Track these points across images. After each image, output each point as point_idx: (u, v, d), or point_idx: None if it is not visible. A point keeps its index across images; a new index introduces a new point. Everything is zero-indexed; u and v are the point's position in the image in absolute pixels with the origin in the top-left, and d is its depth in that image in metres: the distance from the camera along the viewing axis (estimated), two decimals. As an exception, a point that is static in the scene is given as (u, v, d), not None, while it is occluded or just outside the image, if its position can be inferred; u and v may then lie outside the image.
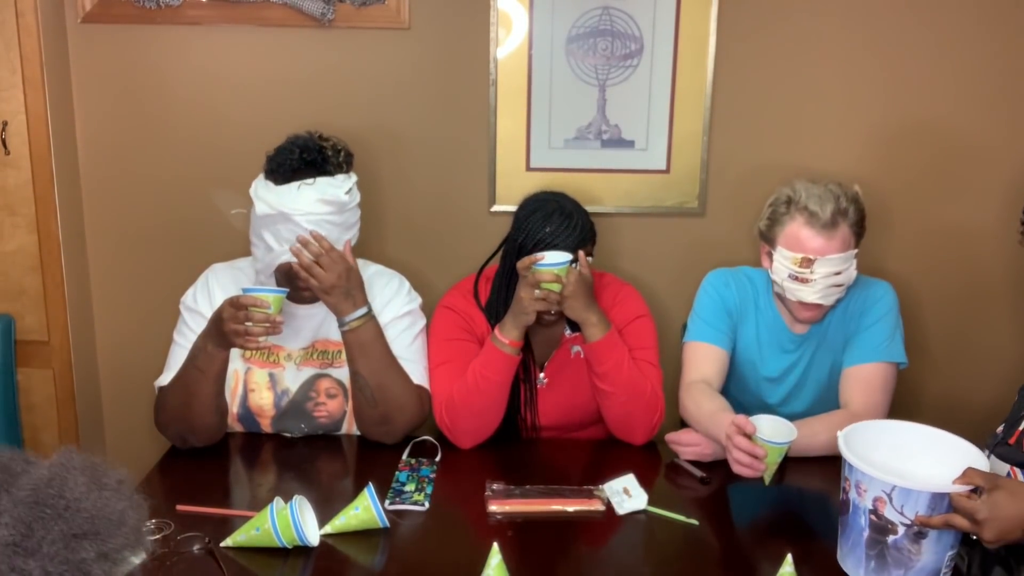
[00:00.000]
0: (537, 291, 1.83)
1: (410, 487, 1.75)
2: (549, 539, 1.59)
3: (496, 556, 1.38)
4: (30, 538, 0.85)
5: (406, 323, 1.99)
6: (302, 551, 1.52)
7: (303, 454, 1.93)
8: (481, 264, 2.10)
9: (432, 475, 1.81)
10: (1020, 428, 1.61)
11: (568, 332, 2.03)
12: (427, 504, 1.69)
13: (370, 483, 1.59)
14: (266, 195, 1.82)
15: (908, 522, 1.34)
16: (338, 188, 1.84)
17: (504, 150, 2.36)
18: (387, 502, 1.69)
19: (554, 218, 1.89)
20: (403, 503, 1.69)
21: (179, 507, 1.64)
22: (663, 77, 2.31)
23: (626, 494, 1.72)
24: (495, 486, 1.74)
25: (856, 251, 1.88)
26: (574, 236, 1.89)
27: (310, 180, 1.82)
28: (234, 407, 1.96)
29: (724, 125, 2.35)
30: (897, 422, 1.54)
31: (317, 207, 1.81)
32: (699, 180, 2.38)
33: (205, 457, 1.90)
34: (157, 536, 1.52)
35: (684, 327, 2.14)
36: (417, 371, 1.96)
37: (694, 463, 1.88)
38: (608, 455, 1.97)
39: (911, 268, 2.41)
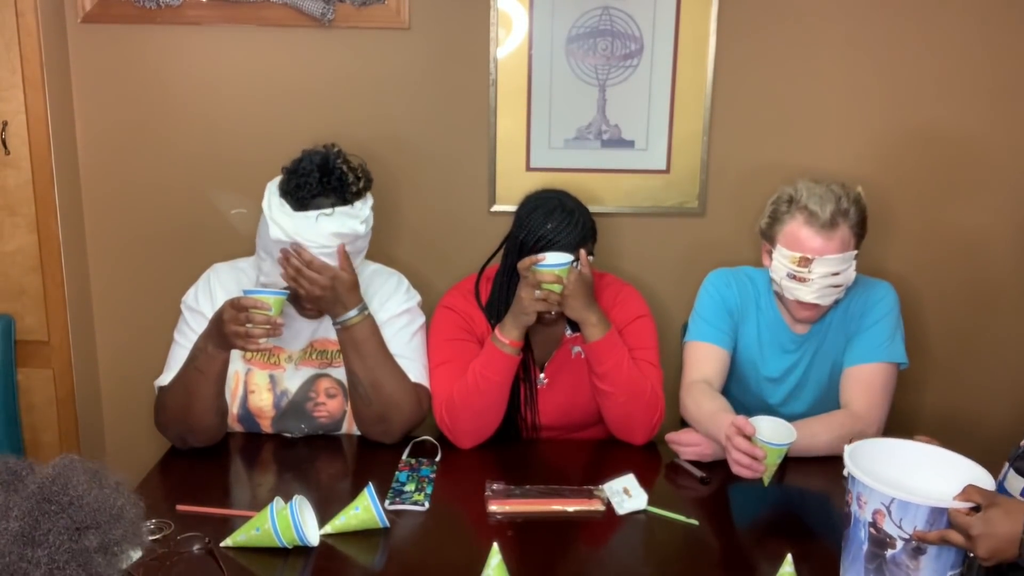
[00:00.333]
0: (538, 291, 1.83)
1: (410, 487, 1.75)
2: (549, 539, 1.59)
3: (496, 556, 1.38)
4: (37, 530, 0.93)
5: (404, 321, 1.99)
6: (302, 551, 1.52)
7: (303, 454, 1.93)
8: (481, 264, 2.10)
9: (432, 475, 1.81)
10: None
11: (568, 332, 2.03)
12: (427, 504, 1.69)
13: (370, 483, 1.59)
14: (281, 220, 1.81)
15: (906, 536, 1.33)
16: (355, 218, 1.84)
17: (504, 150, 2.36)
18: (387, 502, 1.68)
19: (555, 215, 1.89)
20: (403, 503, 1.69)
21: (179, 507, 1.64)
22: (663, 77, 2.31)
23: (626, 494, 1.72)
24: (495, 486, 1.74)
25: (856, 252, 1.88)
26: (575, 233, 1.89)
27: (328, 211, 1.81)
28: (234, 408, 1.96)
29: (724, 125, 2.35)
30: (904, 441, 1.51)
31: (333, 240, 1.81)
32: (699, 180, 2.38)
33: (205, 457, 1.90)
34: (157, 536, 1.52)
35: (684, 327, 2.14)
36: (415, 369, 1.96)
37: (694, 463, 1.88)
38: (608, 455, 1.97)
39: (912, 268, 2.41)
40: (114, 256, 2.44)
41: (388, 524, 1.58)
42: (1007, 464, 1.61)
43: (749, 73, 2.32)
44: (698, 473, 1.84)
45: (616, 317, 2.01)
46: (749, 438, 1.64)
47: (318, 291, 1.82)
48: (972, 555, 1.31)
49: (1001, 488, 1.58)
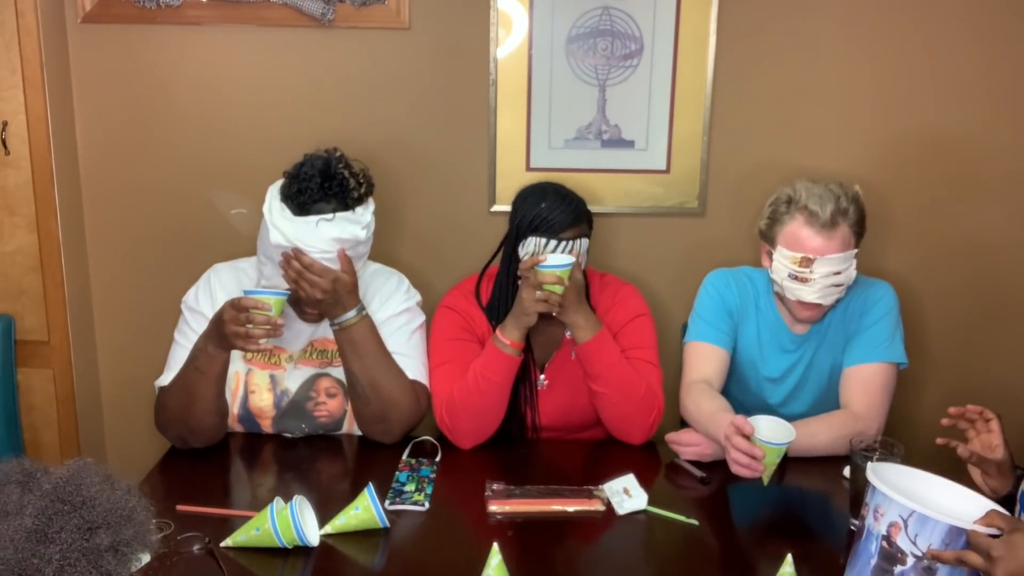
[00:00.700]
0: (539, 292, 1.84)
1: (410, 487, 1.75)
2: (549, 539, 1.59)
3: (496, 556, 1.38)
4: (50, 527, 0.95)
5: (404, 320, 2.00)
6: (302, 551, 1.52)
7: (303, 454, 1.93)
8: (481, 264, 2.10)
9: (432, 475, 1.81)
10: None
11: (569, 333, 2.03)
12: (427, 504, 1.69)
13: (370, 483, 1.59)
14: (282, 224, 1.81)
15: (919, 553, 1.30)
16: (357, 224, 1.84)
17: (504, 150, 2.36)
18: (387, 502, 1.69)
19: (548, 197, 1.93)
20: (403, 503, 1.69)
21: (179, 507, 1.64)
22: (663, 77, 2.31)
23: (626, 494, 1.72)
24: (495, 486, 1.74)
25: (856, 251, 1.88)
26: (569, 212, 1.91)
27: (329, 216, 1.81)
28: (235, 408, 1.96)
29: (724, 125, 2.35)
30: (926, 473, 1.47)
31: (333, 245, 1.81)
32: (699, 180, 2.38)
33: (205, 457, 1.90)
34: (157, 534, 1.52)
35: (684, 327, 2.14)
36: (414, 366, 1.96)
37: (694, 463, 1.88)
38: (608, 455, 1.97)
39: (911, 268, 2.41)
40: (114, 256, 2.44)
41: (388, 524, 1.58)
42: (1019, 469, 1.60)
43: (749, 73, 2.32)
44: (698, 473, 1.84)
45: (615, 316, 2.02)
46: (748, 438, 1.64)
47: (319, 294, 1.82)
48: None
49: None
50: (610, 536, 1.62)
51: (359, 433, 2.00)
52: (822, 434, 1.86)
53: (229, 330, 1.74)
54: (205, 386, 1.84)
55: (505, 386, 1.93)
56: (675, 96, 2.33)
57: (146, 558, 1.03)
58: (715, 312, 2.04)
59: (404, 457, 1.89)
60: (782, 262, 1.88)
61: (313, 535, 1.53)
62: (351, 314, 1.87)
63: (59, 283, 2.33)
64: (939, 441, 1.58)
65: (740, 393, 2.09)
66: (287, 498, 1.53)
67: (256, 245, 1.93)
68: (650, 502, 1.70)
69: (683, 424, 2.02)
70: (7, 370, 2.21)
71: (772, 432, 1.65)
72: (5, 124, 2.22)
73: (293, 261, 1.81)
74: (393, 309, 1.99)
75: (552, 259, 1.84)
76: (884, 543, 1.33)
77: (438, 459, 1.89)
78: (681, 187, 2.39)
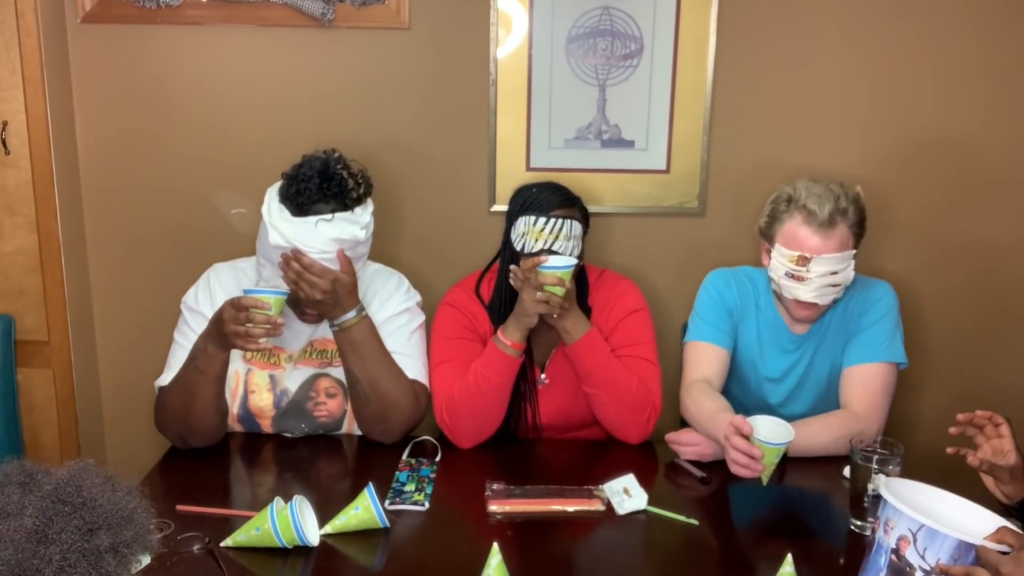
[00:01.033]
0: (539, 293, 1.84)
1: (410, 487, 1.75)
2: (549, 539, 1.59)
3: (496, 556, 1.38)
4: (50, 528, 0.95)
5: (404, 319, 2.00)
6: (302, 551, 1.52)
7: (303, 454, 1.93)
8: (481, 264, 2.10)
9: (432, 475, 1.81)
10: None
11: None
12: (427, 504, 1.69)
13: (370, 483, 1.59)
14: (281, 225, 1.81)
15: (927, 568, 1.29)
16: (355, 224, 1.84)
17: (504, 150, 2.36)
18: (387, 502, 1.69)
19: (539, 184, 1.98)
20: (403, 503, 1.69)
21: (179, 507, 1.64)
22: (663, 77, 2.31)
23: (626, 494, 1.72)
24: (495, 486, 1.74)
25: (854, 252, 1.88)
26: (559, 194, 1.94)
27: (328, 216, 1.81)
28: (234, 408, 1.96)
29: (724, 125, 2.35)
30: (939, 490, 1.45)
31: (332, 246, 1.81)
32: (699, 180, 2.38)
33: (205, 457, 1.90)
34: (157, 536, 1.52)
35: (684, 327, 2.14)
36: (414, 366, 1.96)
37: (694, 463, 1.88)
38: (608, 455, 1.97)
39: (911, 268, 2.41)
40: (114, 256, 2.44)
41: (388, 524, 1.58)
42: None
43: (749, 73, 2.32)
44: (698, 473, 1.84)
45: (612, 312, 2.02)
46: (747, 438, 1.64)
47: (319, 295, 1.82)
48: None
49: None
50: (610, 536, 1.62)
51: (359, 433, 2.00)
52: (822, 434, 1.86)
53: (229, 329, 1.74)
54: (205, 386, 1.84)
55: (505, 386, 1.93)
56: (675, 96, 2.33)
57: (146, 560, 1.03)
58: (715, 312, 2.04)
59: (404, 457, 1.89)
60: (780, 260, 1.88)
61: (313, 535, 1.53)
62: (351, 315, 1.87)
63: (59, 283, 2.32)
64: (949, 450, 1.57)
65: (740, 393, 2.09)
66: (287, 498, 1.53)
67: (255, 246, 1.93)
68: (650, 502, 1.70)
69: (683, 424, 2.02)
70: (7, 370, 2.21)
71: (771, 432, 1.65)
72: (5, 124, 2.22)
73: (292, 262, 1.81)
74: (393, 309, 1.99)
75: (553, 260, 1.84)
76: (893, 556, 1.32)
77: (438, 459, 1.89)
78: (681, 187, 2.39)
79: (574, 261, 1.85)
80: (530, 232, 1.90)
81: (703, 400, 1.90)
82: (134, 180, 2.39)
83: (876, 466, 1.58)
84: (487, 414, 1.94)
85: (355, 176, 1.87)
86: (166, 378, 1.91)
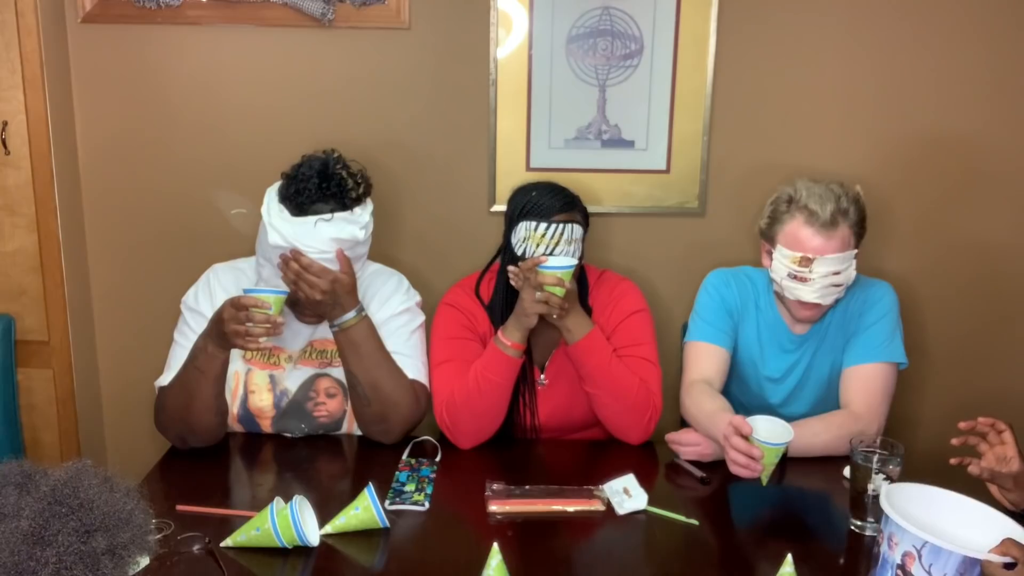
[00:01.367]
0: (539, 294, 1.83)
1: (410, 487, 1.75)
2: (549, 539, 1.59)
3: (496, 556, 1.38)
4: (47, 530, 0.95)
5: (404, 319, 2.00)
6: (302, 551, 1.52)
7: (303, 454, 1.93)
8: (481, 264, 2.10)
9: (432, 475, 1.81)
10: None
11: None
12: (427, 504, 1.69)
13: (370, 483, 1.59)
14: (280, 226, 1.81)
15: None
16: (355, 224, 1.84)
17: (504, 150, 2.36)
18: (387, 502, 1.68)
19: (538, 186, 1.96)
20: (403, 503, 1.69)
21: (179, 507, 1.64)
22: (663, 77, 2.31)
23: (626, 494, 1.72)
24: (495, 486, 1.74)
25: (856, 251, 1.88)
26: (559, 198, 1.93)
27: (327, 216, 1.81)
28: (234, 408, 1.97)
29: (724, 125, 2.35)
30: (942, 490, 1.46)
31: (331, 246, 1.81)
32: (699, 180, 2.38)
33: (205, 457, 1.90)
34: (157, 536, 1.52)
35: (685, 327, 2.14)
36: (414, 366, 1.96)
37: (694, 463, 1.88)
38: (608, 455, 1.97)
39: (911, 269, 2.41)
40: (114, 256, 2.44)
41: (388, 524, 1.58)
42: None
43: (749, 73, 2.32)
44: (698, 473, 1.84)
45: (612, 312, 2.02)
46: (747, 438, 1.64)
47: (318, 295, 1.82)
48: None
49: None
50: (610, 536, 1.62)
51: (359, 433, 2.00)
52: (822, 434, 1.86)
53: (229, 329, 1.74)
54: (205, 385, 1.84)
55: (506, 387, 1.93)
56: (675, 96, 2.33)
57: (144, 561, 1.03)
58: (715, 312, 2.04)
59: (404, 457, 1.89)
60: (781, 261, 1.88)
61: (313, 535, 1.53)
62: (350, 315, 1.87)
63: (59, 283, 2.33)
64: (952, 461, 1.57)
65: (740, 393, 2.09)
66: (287, 498, 1.53)
67: (255, 246, 1.93)
68: (650, 502, 1.70)
69: (683, 424, 2.02)
70: (7, 370, 2.21)
71: (770, 432, 1.65)
72: (5, 124, 2.22)
73: (292, 262, 1.81)
74: (393, 309, 1.99)
75: (553, 261, 1.84)
76: (899, 572, 1.33)
77: (438, 459, 1.89)
78: (681, 187, 2.39)
79: (574, 262, 1.85)
80: (531, 237, 1.90)
81: (703, 400, 1.90)
82: (134, 180, 2.39)
83: (876, 466, 1.58)
84: (487, 414, 1.94)
85: (354, 176, 1.87)
86: (166, 378, 1.91)
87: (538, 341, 2.01)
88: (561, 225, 1.90)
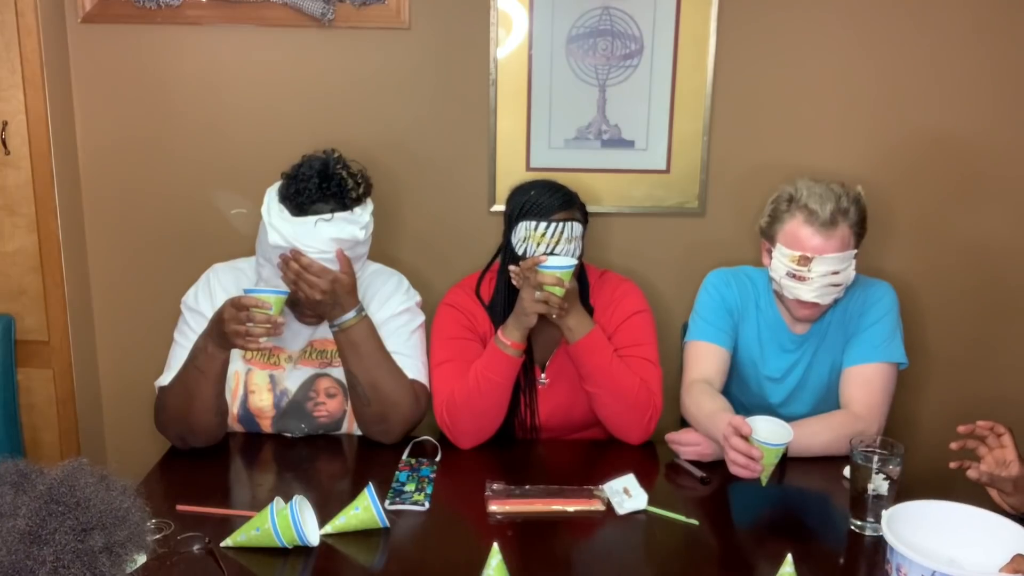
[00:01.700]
0: (538, 293, 1.83)
1: (410, 487, 1.75)
2: (549, 539, 1.59)
3: (496, 556, 1.38)
4: (44, 529, 0.95)
5: (404, 319, 2.00)
6: (302, 551, 1.52)
7: (303, 454, 1.93)
8: (481, 264, 2.10)
9: (432, 475, 1.81)
10: None
11: (567, 332, 2.03)
12: (427, 504, 1.69)
13: (370, 483, 1.59)
14: (280, 226, 1.81)
15: None
16: (355, 224, 1.84)
17: (504, 150, 2.36)
18: (387, 502, 1.68)
19: (536, 185, 1.96)
20: (403, 503, 1.69)
21: (179, 507, 1.64)
22: (663, 77, 2.31)
23: (626, 494, 1.72)
24: (495, 486, 1.74)
25: (855, 251, 1.88)
26: (559, 197, 1.92)
27: (327, 216, 1.81)
28: (234, 408, 1.97)
29: (724, 125, 2.35)
30: (946, 503, 1.47)
31: (331, 246, 1.81)
32: (699, 180, 2.38)
33: (205, 457, 1.90)
34: (157, 536, 1.52)
35: (685, 327, 2.14)
36: (414, 366, 1.96)
37: (694, 463, 1.88)
38: (608, 455, 1.97)
39: (912, 269, 2.41)
40: (114, 256, 2.44)
41: (388, 524, 1.58)
42: None
43: (749, 73, 2.32)
44: (698, 473, 1.84)
45: (613, 313, 2.02)
46: (746, 438, 1.64)
47: (318, 295, 1.82)
48: None
49: None
50: (610, 536, 1.62)
51: (359, 433, 2.00)
52: (822, 434, 1.86)
53: (229, 329, 1.74)
54: (205, 385, 1.84)
55: (506, 386, 1.93)
56: (675, 96, 2.33)
57: (141, 559, 1.03)
58: (715, 311, 2.04)
59: (404, 457, 1.89)
60: (781, 260, 1.88)
61: (313, 535, 1.53)
62: (350, 315, 1.87)
63: (59, 283, 2.33)
64: (952, 465, 1.56)
65: (740, 393, 2.09)
66: (287, 498, 1.53)
67: (255, 246, 1.93)
68: (650, 502, 1.70)
69: (683, 424, 2.02)
70: (7, 370, 2.21)
71: (770, 433, 1.65)
72: (5, 124, 2.22)
73: (291, 262, 1.81)
74: (393, 309, 1.99)
75: (553, 260, 1.84)
76: None
77: (438, 459, 1.89)
78: (681, 187, 2.39)
79: (574, 262, 1.85)
80: (531, 237, 1.90)
81: (703, 400, 1.90)
82: (134, 180, 2.39)
83: (876, 466, 1.58)
84: (487, 414, 1.94)
85: (355, 176, 1.87)
86: (166, 378, 1.91)
87: (538, 340, 2.01)
88: (561, 224, 1.90)
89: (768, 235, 1.94)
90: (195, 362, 1.83)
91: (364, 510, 1.57)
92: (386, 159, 2.33)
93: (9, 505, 0.97)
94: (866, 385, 1.94)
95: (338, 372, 1.97)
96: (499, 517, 1.65)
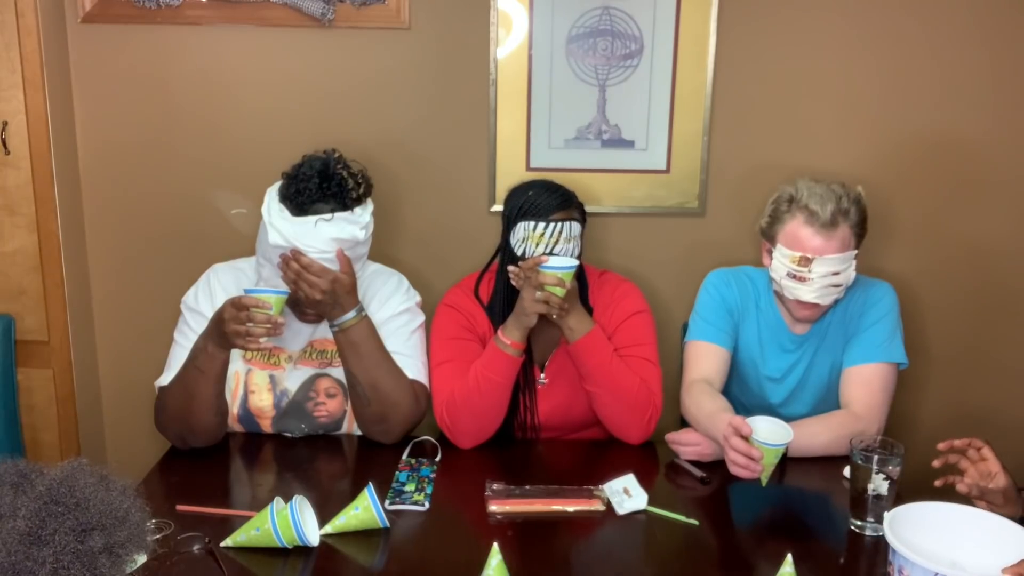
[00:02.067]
0: (539, 293, 1.84)
1: (410, 487, 1.75)
2: (549, 539, 1.59)
3: (496, 556, 1.38)
4: (43, 530, 0.95)
5: (404, 320, 2.00)
6: (302, 551, 1.52)
7: (303, 454, 1.93)
8: (481, 264, 2.10)
9: (432, 475, 1.81)
10: None
11: (567, 332, 2.03)
12: (427, 504, 1.69)
13: (370, 483, 1.59)
14: (281, 225, 1.81)
15: None
16: (355, 224, 1.84)
17: (504, 150, 2.36)
18: (387, 502, 1.68)
19: (535, 185, 1.96)
20: (403, 503, 1.69)
21: (179, 507, 1.64)
22: (663, 77, 2.31)
23: (626, 494, 1.72)
24: (495, 486, 1.74)
25: (856, 252, 1.88)
26: (557, 196, 1.93)
27: (327, 216, 1.81)
28: (234, 408, 1.97)
29: (724, 125, 2.35)
30: (949, 504, 1.46)
31: (331, 245, 1.81)
32: (699, 180, 2.38)
33: (205, 457, 1.90)
34: (157, 536, 1.52)
35: (685, 327, 2.14)
36: (414, 366, 1.96)
37: (694, 463, 1.88)
38: (608, 455, 1.97)
39: (912, 269, 2.41)
40: (114, 256, 2.44)
41: (388, 524, 1.58)
42: None
43: (749, 73, 2.32)
44: (698, 473, 1.84)
45: (613, 313, 2.02)
46: (746, 438, 1.64)
47: (318, 295, 1.82)
48: None
49: None
50: (610, 536, 1.62)
51: (359, 433, 2.00)
52: (822, 434, 1.86)
53: (230, 329, 1.74)
54: (205, 385, 1.84)
55: (506, 386, 1.93)
56: (675, 96, 2.33)
57: (141, 559, 1.03)
58: (715, 311, 2.04)
59: (404, 457, 1.89)
60: (781, 261, 1.88)
61: (313, 535, 1.53)
62: (350, 315, 1.87)
63: (59, 283, 2.32)
64: (937, 483, 1.57)
65: (741, 393, 2.09)
66: (287, 498, 1.53)
67: (255, 246, 1.93)
68: (650, 502, 1.70)
69: (683, 424, 2.02)
70: (7, 370, 2.21)
71: (770, 433, 1.65)
72: (5, 124, 2.22)
73: (292, 262, 1.81)
74: (393, 309, 1.99)
75: (554, 261, 1.84)
76: None
77: (438, 459, 1.89)
78: (681, 187, 2.39)
79: (575, 263, 1.85)
80: (530, 237, 1.90)
81: (703, 400, 1.90)
82: (134, 180, 2.39)
83: (876, 466, 1.58)
84: (487, 414, 1.94)
85: (355, 176, 1.87)
86: (166, 378, 1.91)
87: (538, 340, 2.02)
88: (560, 223, 1.90)
89: (768, 235, 1.94)
90: (195, 362, 1.83)
91: (364, 510, 1.57)
92: (386, 159, 2.33)
93: (9, 506, 0.97)
94: (866, 385, 1.94)
95: (338, 372, 1.97)
96: (499, 517, 1.65)
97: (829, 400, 2.02)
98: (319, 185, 1.82)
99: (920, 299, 2.43)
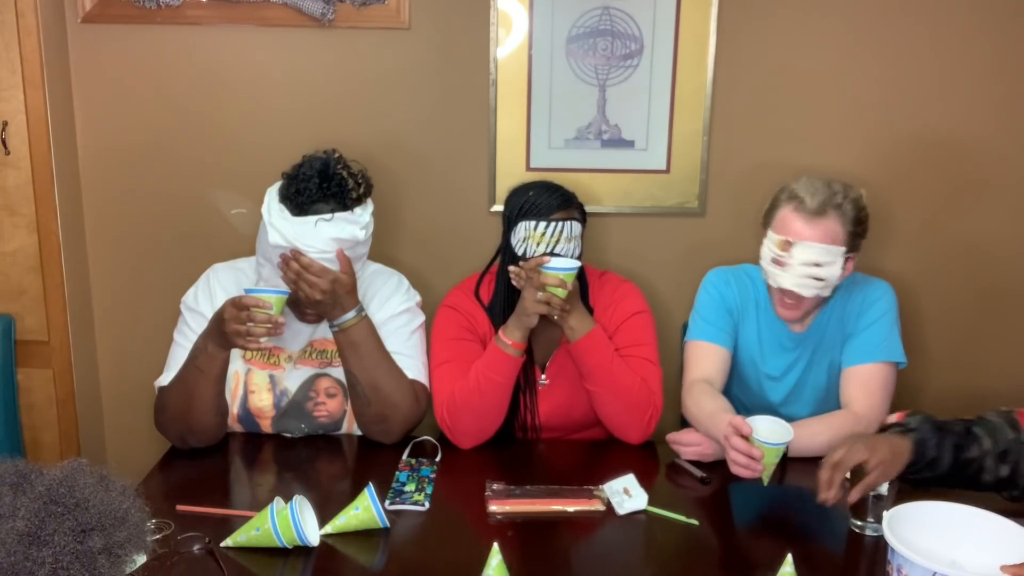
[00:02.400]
0: (540, 294, 1.84)
1: (410, 487, 1.75)
2: (549, 539, 1.59)
3: (496, 556, 1.38)
4: (43, 530, 0.95)
5: (404, 320, 2.00)
6: (302, 551, 1.52)
7: (303, 454, 1.93)
8: (481, 263, 2.10)
9: (432, 475, 1.81)
10: None
11: (568, 332, 2.04)
12: (427, 504, 1.69)
13: (370, 483, 1.59)
14: (281, 225, 1.81)
15: None
16: (355, 224, 1.84)
17: (504, 150, 2.36)
18: (387, 502, 1.68)
19: (535, 186, 1.96)
20: (403, 503, 1.69)
21: (179, 507, 1.64)
22: (663, 77, 2.31)
23: (626, 494, 1.72)
24: (495, 486, 1.74)
25: (844, 250, 1.85)
26: (556, 196, 1.93)
27: (327, 216, 1.81)
28: (234, 408, 1.97)
29: (724, 125, 2.35)
30: (949, 504, 1.46)
31: (332, 246, 1.81)
32: (699, 180, 2.38)
33: (205, 457, 1.90)
34: (157, 536, 1.52)
35: (685, 327, 2.14)
36: (414, 366, 1.96)
37: (695, 463, 1.88)
38: (608, 455, 1.97)
39: (911, 269, 2.41)
40: (114, 256, 2.44)
41: (388, 524, 1.58)
42: None
43: (749, 73, 2.32)
44: (698, 473, 1.84)
45: (614, 313, 2.02)
46: (747, 438, 1.64)
47: (318, 295, 1.82)
48: None
49: None
50: (610, 536, 1.62)
51: (359, 433, 2.00)
52: (822, 434, 1.85)
53: (230, 328, 1.74)
54: (205, 385, 1.84)
55: (507, 386, 1.93)
56: (675, 96, 2.33)
57: (141, 560, 1.03)
58: (715, 311, 2.04)
59: (404, 457, 1.89)
60: (768, 246, 1.89)
61: (313, 535, 1.53)
62: (350, 315, 1.87)
63: (59, 283, 2.32)
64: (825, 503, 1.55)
65: (741, 392, 2.09)
66: (287, 498, 1.53)
67: (255, 246, 1.93)
68: (650, 502, 1.70)
69: (684, 424, 2.02)
70: (7, 370, 2.21)
71: (770, 432, 1.65)
72: (5, 124, 2.22)
73: (292, 262, 1.81)
74: (393, 309, 1.99)
75: (556, 262, 1.84)
76: None
77: (438, 459, 1.89)
78: (681, 187, 2.39)
79: (577, 264, 1.86)
80: (531, 237, 1.90)
81: (703, 400, 1.90)
82: (134, 180, 2.39)
83: (876, 466, 1.58)
84: (488, 414, 1.94)
85: (355, 176, 1.87)
86: (166, 378, 1.91)
87: (539, 340, 2.02)
88: (560, 223, 1.90)
89: (764, 224, 1.94)
90: (195, 362, 1.83)
91: (364, 510, 1.57)
92: (386, 159, 2.33)
93: (8, 506, 0.97)
94: (866, 385, 1.94)
95: (338, 372, 1.97)
96: (499, 517, 1.65)
97: (829, 399, 2.02)
98: (319, 185, 1.82)
99: (920, 299, 2.43)
